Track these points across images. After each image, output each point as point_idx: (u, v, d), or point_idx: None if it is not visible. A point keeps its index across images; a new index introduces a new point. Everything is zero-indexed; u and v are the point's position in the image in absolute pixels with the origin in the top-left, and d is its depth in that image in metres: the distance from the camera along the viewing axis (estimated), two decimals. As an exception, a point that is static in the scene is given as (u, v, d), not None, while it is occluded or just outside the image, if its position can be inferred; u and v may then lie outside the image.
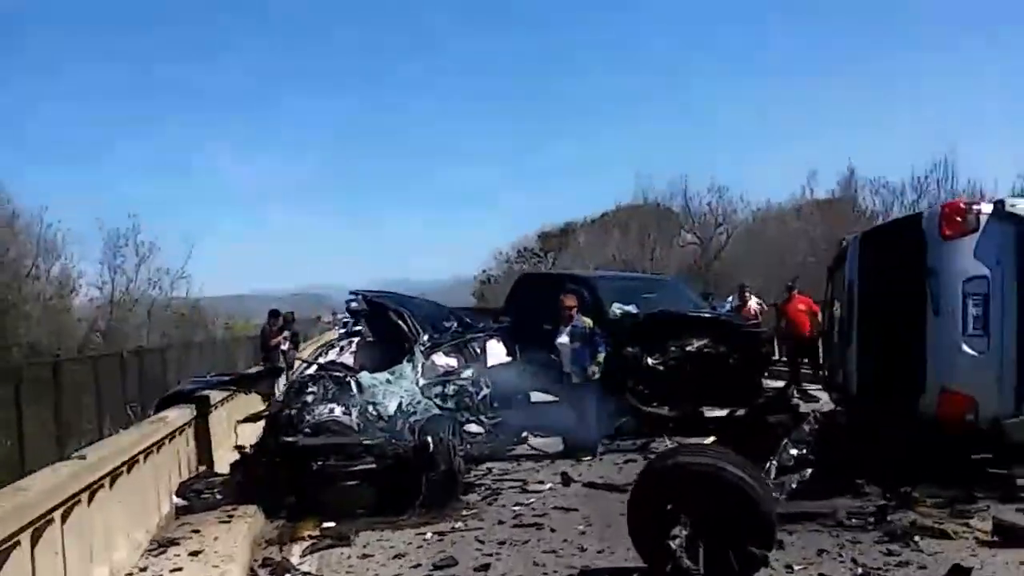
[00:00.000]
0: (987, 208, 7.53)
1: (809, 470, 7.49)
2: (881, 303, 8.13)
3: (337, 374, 8.84)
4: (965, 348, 7.31)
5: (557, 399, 11.22)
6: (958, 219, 7.52)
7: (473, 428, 9.86)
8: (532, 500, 7.88)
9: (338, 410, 8.11)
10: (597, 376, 10.37)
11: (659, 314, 11.73)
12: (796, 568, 5.47)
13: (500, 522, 7.14)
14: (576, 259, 47.83)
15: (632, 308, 12.24)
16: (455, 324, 10.54)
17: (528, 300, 12.78)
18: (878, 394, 8.12)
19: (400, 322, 9.83)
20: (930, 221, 7.75)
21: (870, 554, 5.67)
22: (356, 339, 9.94)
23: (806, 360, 14.23)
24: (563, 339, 10.65)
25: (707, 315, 12.05)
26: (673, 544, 4.97)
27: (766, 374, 12.19)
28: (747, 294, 15.12)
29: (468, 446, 9.44)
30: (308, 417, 8.02)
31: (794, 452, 8.02)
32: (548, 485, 8.35)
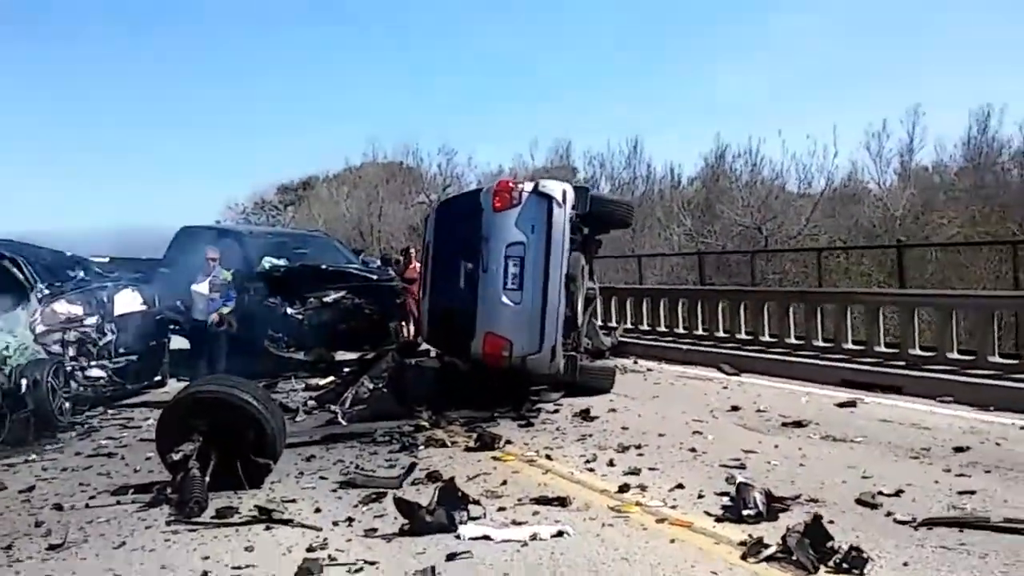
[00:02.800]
0: (528, 187, 9.17)
1: (366, 395, 8.81)
2: (448, 262, 9.57)
3: (-70, 318, 8.79)
4: (505, 300, 8.90)
5: (189, 344, 11.88)
6: (507, 195, 9.09)
7: (95, 372, 10.19)
8: (125, 435, 8.50)
9: (-78, 352, 8.15)
10: (227, 326, 11.15)
11: (299, 268, 12.70)
12: (307, 474, 6.58)
13: (78, 453, 7.73)
14: (311, 215, 47.72)
15: (282, 262, 13.09)
16: (82, 273, 10.69)
17: (184, 251, 13.10)
18: (442, 336, 9.60)
19: (15, 269, 9.85)
20: (486, 196, 9.28)
21: (374, 460, 6.98)
22: (-34, 285, 9.79)
23: None
24: (199, 287, 11.33)
25: (346, 269, 13.11)
26: (179, 456, 5.90)
27: (401, 322, 13.52)
28: (412, 254, 16.40)
29: (86, 388, 9.84)
30: None
31: (370, 385, 9.34)
32: (149, 420, 8.95)
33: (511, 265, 8.94)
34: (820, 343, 11.12)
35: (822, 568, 4.18)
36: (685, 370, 11.61)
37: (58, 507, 5.92)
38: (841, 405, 8.56)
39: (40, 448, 7.89)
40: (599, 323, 13.83)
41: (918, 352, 9.83)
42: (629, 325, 14.64)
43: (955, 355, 9.38)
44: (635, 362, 12.33)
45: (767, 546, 4.46)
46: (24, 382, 8.32)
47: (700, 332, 13.26)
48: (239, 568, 4.56)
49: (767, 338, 12.00)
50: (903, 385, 9.26)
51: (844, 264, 24.51)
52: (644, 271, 22.42)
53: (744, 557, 4.41)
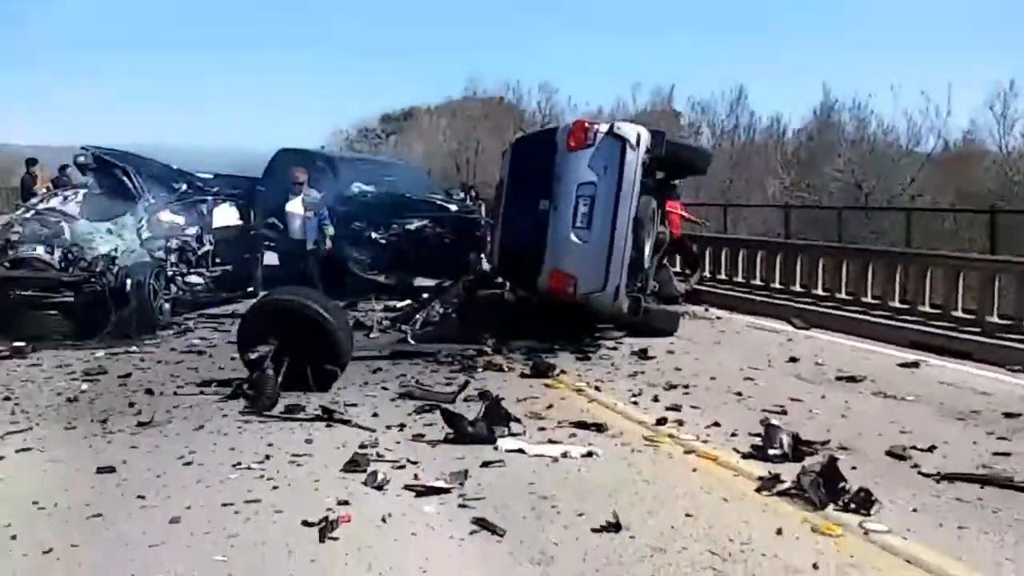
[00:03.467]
0: (604, 128, 9.28)
1: (436, 319, 9.27)
2: (521, 198, 9.80)
3: (51, 219, 9.69)
4: (572, 238, 9.12)
5: (281, 262, 12.59)
6: (582, 135, 9.23)
7: (193, 279, 11.04)
8: (216, 337, 9.25)
9: (40, 249, 9.05)
10: (328, 247, 11.76)
11: (386, 195, 13.20)
12: (371, 384, 7.10)
13: (172, 349, 8.51)
14: (411, 146, 48.60)
15: (371, 188, 13.64)
16: (184, 186, 11.46)
17: (281, 172, 13.77)
18: (511, 270, 9.92)
19: (125, 179, 10.66)
20: (562, 134, 9.43)
21: (434, 378, 7.45)
22: (83, 191, 10.68)
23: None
24: (293, 206, 11.90)
25: (430, 199, 13.54)
26: (255, 355, 6.50)
27: (480, 256, 13.91)
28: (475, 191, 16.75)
29: (184, 292, 10.69)
30: (11, 253, 8.92)
31: (440, 309, 9.80)
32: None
33: (581, 204, 9.12)
34: (896, 304, 10.93)
35: (830, 506, 4.37)
36: (755, 320, 11.62)
37: (149, 392, 6.63)
38: (903, 365, 8.51)
39: (140, 342, 8.69)
40: (675, 270, 13.94)
41: (995, 320, 9.59)
42: (707, 274, 14.64)
43: (1034, 325, 9.13)
44: (706, 309, 12.40)
45: (782, 482, 4.67)
46: (129, 282, 9.11)
47: (776, 285, 13.18)
48: (297, 455, 5.09)
49: (843, 295, 11.86)
50: (973, 351, 9.08)
51: (951, 227, 23.53)
52: (738, 223, 22.10)
53: (759, 490, 4.64)
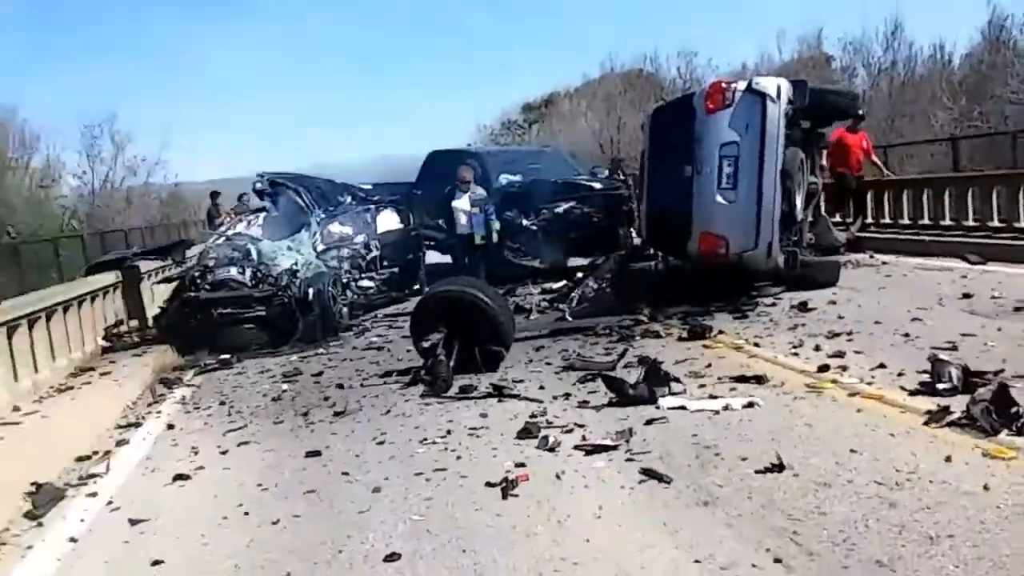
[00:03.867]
0: (742, 85, 9.22)
1: (591, 295, 9.56)
2: (664, 166, 9.88)
3: (239, 242, 10.80)
4: (719, 199, 9.14)
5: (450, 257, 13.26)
6: (719, 96, 9.22)
7: (365, 283, 11.93)
8: (391, 333, 9.99)
9: (234, 270, 10.13)
10: (495, 239, 12.32)
11: (532, 182, 13.62)
12: (535, 361, 7.51)
13: (354, 347, 9.29)
14: (553, 132, 49.01)
15: (517, 178, 14.13)
16: (349, 199, 12.38)
17: (434, 173, 14.52)
18: (661, 238, 10.04)
19: (298, 198, 11.68)
20: (699, 98, 9.45)
21: (593, 350, 7.75)
22: (263, 214, 11.81)
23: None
24: (461, 203, 12.47)
25: (575, 181, 13.83)
26: (428, 344, 7.06)
27: (630, 230, 14.05)
28: (620, 166, 16.87)
29: (359, 296, 11.57)
30: (209, 276, 10.05)
31: (594, 285, 10.09)
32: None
33: (725, 165, 9.11)
34: (1085, 226, 10.15)
35: (1003, 432, 4.31)
36: (924, 262, 11.12)
37: (340, 386, 7.34)
38: (1094, 290, 7.96)
39: (326, 344, 9.54)
40: (835, 220, 13.52)
41: None
42: (869, 221, 14.07)
43: None
44: (871, 256, 11.98)
45: (951, 413, 4.63)
46: (311, 291, 10.01)
47: (947, 222, 12.50)
48: (475, 428, 5.55)
49: (1023, 224, 11.11)
50: None
51: None
52: (903, 163, 20.89)
53: (927, 423, 4.63)
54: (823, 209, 12.75)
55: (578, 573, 3.39)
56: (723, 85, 9.33)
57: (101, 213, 33.87)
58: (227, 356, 9.17)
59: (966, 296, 8.26)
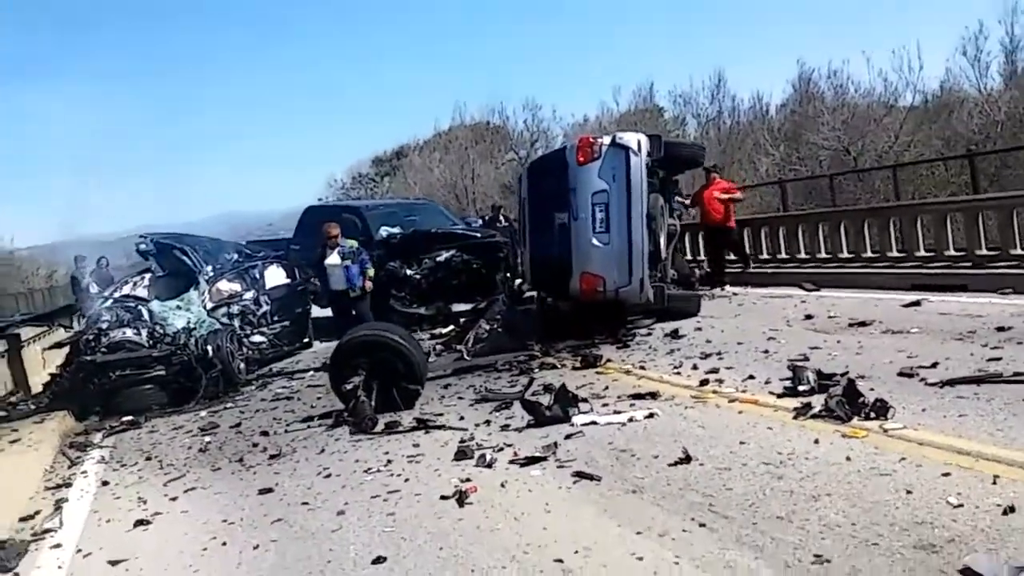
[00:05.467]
0: (607, 140, 10.39)
1: (484, 336, 10.32)
2: (542, 214, 10.90)
3: (128, 304, 10.82)
4: (595, 242, 10.18)
5: (332, 312, 13.63)
6: (588, 149, 10.33)
7: (257, 338, 12.13)
8: (294, 384, 10.32)
9: (129, 332, 10.17)
10: (370, 288, 12.78)
11: (412, 233, 14.32)
12: (447, 397, 8.15)
13: (262, 399, 9.57)
14: (407, 185, 49.73)
15: (396, 230, 14.76)
16: (235, 256, 12.60)
17: (310, 229, 14.89)
18: (544, 280, 11.00)
19: (184, 257, 11.81)
20: (571, 152, 10.54)
21: (498, 383, 8.49)
22: (148, 275, 11.82)
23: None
24: (332, 259, 12.95)
25: (453, 231, 14.65)
26: (350, 386, 7.56)
27: (507, 275, 14.97)
28: (500, 213, 17.93)
29: (252, 352, 11.77)
30: (104, 339, 10.04)
31: (486, 327, 10.85)
32: (310, 372, 10.77)
33: (598, 211, 10.19)
34: (894, 253, 11.98)
35: (855, 418, 5.41)
36: (769, 291, 12.66)
37: (264, 433, 7.68)
38: (906, 306, 9.54)
39: (231, 399, 9.75)
40: (688, 258, 14.99)
41: (984, 252, 10.61)
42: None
43: (1018, 251, 10.15)
44: (722, 288, 13.44)
45: (813, 408, 5.71)
46: (209, 348, 10.21)
47: (783, 256, 14.22)
48: (413, 456, 6.13)
49: (845, 254, 12.90)
50: (968, 283, 10.12)
51: (942, 176, 24.47)
52: (737, 205, 23.05)
53: (795, 417, 5.68)
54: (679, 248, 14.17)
55: (546, 552, 4.09)
56: (591, 140, 10.47)
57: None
58: (132, 417, 9.22)
59: (808, 317, 9.66)
